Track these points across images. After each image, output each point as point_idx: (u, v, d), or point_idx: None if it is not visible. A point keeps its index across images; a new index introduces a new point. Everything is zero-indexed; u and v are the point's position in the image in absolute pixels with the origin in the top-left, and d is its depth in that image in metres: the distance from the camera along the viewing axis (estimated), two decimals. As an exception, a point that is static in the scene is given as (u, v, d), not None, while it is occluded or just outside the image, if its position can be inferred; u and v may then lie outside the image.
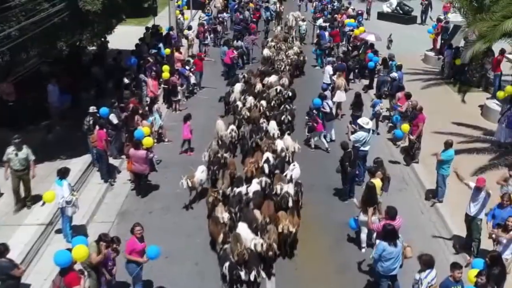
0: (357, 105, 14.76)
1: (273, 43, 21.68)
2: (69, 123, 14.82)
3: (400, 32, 27.53)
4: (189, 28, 23.43)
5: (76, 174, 12.44)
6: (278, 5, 28.08)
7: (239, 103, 14.89)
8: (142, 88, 16.24)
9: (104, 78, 16.84)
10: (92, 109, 12.65)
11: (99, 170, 12.51)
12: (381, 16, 31.19)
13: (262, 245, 8.78)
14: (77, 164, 12.97)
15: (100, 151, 12.07)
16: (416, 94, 15.62)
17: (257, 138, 12.97)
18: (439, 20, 23.15)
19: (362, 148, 11.98)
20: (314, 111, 14.09)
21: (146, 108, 15.40)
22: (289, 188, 10.28)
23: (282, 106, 14.87)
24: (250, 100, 15.18)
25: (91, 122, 12.51)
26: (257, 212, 9.70)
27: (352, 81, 19.70)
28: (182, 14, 26.08)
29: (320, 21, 24.39)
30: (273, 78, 17.14)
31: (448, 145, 11.23)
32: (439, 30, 22.26)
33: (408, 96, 14.37)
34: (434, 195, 11.77)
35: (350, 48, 21.42)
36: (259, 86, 16.61)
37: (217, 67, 21.05)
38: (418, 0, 30.49)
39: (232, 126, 13.48)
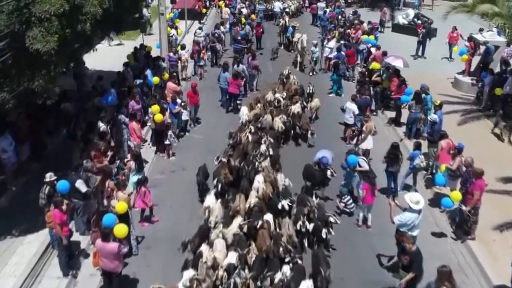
0: (394, 158, 11.65)
1: (279, 97, 15.50)
2: (27, 179, 11.87)
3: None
4: (183, 47, 20.21)
5: (29, 261, 9.50)
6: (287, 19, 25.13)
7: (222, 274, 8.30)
8: (123, 131, 13.07)
9: (76, 115, 13.82)
10: (48, 176, 9.50)
11: (58, 257, 9.42)
12: (397, 28, 28.09)
13: None
14: (32, 245, 10.02)
15: (57, 237, 8.99)
16: (452, 133, 12.75)
17: None
18: (470, 38, 20.07)
19: (409, 233, 8.92)
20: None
21: (127, 157, 12.41)
22: None
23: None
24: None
25: (48, 194, 9.42)
26: None
27: (374, 113, 16.59)
28: (176, 28, 22.95)
29: (332, 43, 20.98)
30: (259, 183, 10.24)
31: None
32: (472, 50, 19.22)
33: (458, 150, 11.27)
34: (506, 295, 8.80)
35: (371, 71, 18.21)
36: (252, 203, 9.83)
37: (214, 95, 17.98)
38: (439, 11, 27.22)
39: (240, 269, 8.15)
